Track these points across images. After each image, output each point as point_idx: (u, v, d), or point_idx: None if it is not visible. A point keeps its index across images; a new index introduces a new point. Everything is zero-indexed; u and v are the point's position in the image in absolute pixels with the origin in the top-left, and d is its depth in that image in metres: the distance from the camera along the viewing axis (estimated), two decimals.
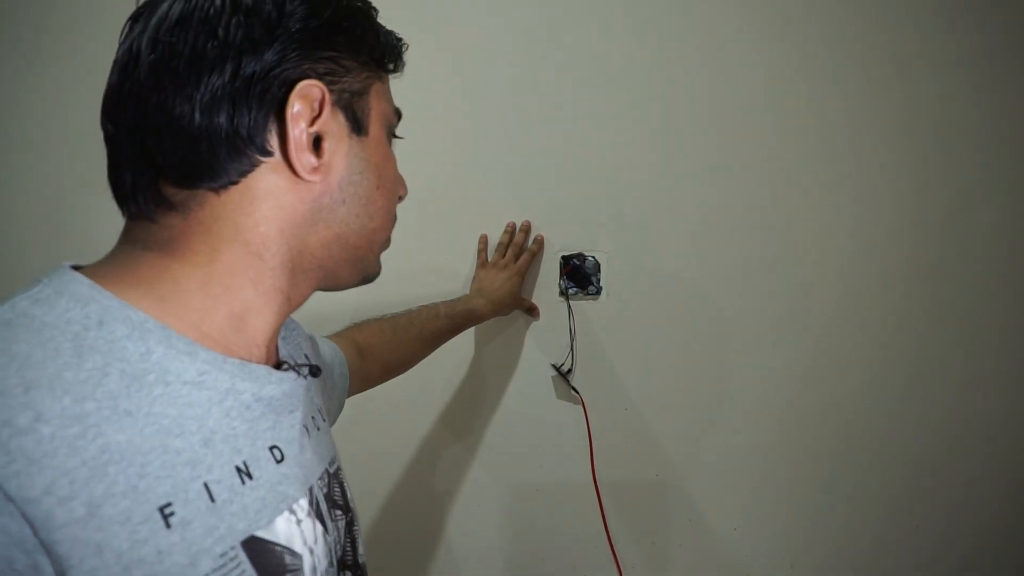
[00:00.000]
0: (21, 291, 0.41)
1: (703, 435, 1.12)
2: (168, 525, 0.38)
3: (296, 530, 0.46)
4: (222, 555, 0.40)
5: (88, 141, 1.10)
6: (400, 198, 0.57)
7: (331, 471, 0.56)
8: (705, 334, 1.11)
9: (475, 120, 1.13)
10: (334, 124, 0.48)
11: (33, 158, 1.21)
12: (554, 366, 1.12)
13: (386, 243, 0.56)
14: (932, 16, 1.05)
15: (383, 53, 0.52)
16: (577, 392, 1.11)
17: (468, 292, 1.08)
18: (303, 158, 0.46)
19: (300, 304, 0.52)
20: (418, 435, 1.17)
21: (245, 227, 0.45)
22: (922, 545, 1.09)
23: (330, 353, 0.75)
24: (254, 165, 0.45)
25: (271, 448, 0.47)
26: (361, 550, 0.59)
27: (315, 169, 0.46)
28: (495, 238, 1.13)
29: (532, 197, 1.12)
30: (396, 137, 0.56)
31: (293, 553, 0.45)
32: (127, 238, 0.46)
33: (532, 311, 1.12)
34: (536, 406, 1.14)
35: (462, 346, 1.14)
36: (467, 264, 1.14)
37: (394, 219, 0.56)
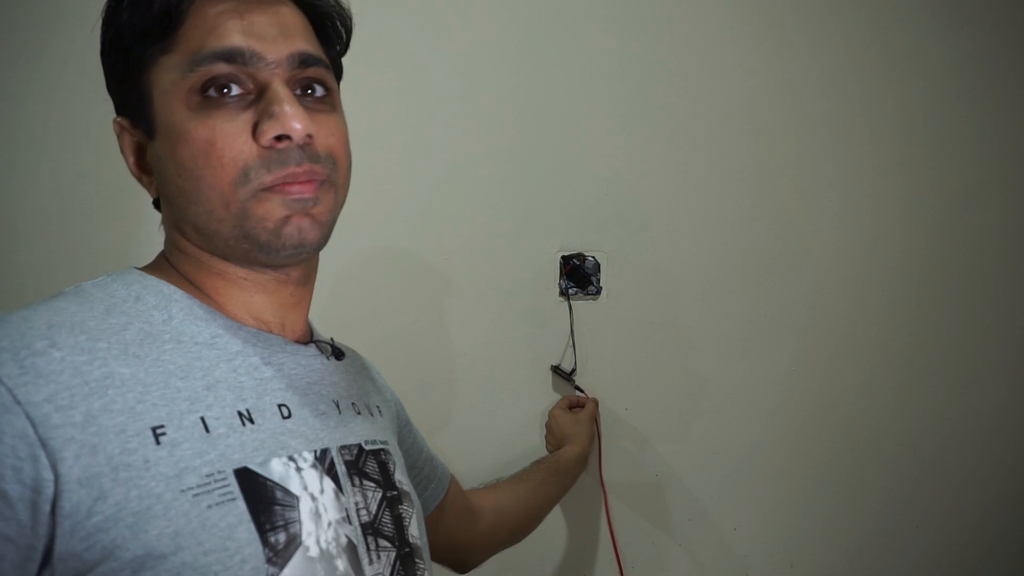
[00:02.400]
0: (91, 280, 0.51)
1: (703, 435, 1.12)
2: (158, 442, 0.44)
3: (295, 475, 0.50)
4: (208, 475, 0.45)
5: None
6: (285, 139, 0.49)
7: (367, 448, 0.59)
8: (705, 334, 1.11)
9: (475, 120, 1.13)
10: (137, 144, 0.55)
11: (43, 159, 1.21)
12: (554, 367, 1.12)
13: (261, 207, 0.50)
14: (940, 15, 1.05)
15: (141, 31, 0.50)
16: (583, 392, 1.11)
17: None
18: (143, 179, 0.56)
19: (271, 281, 0.56)
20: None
21: (168, 235, 0.57)
22: (922, 545, 1.09)
23: (428, 452, 0.81)
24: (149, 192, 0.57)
25: (280, 405, 0.52)
26: (414, 531, 0.60)
27: (149, 186, 0.56)
28: (495, 238, 1.12)
29: (532, 197, 1.12)
30: (246, 78, 0.50)
31: (286, 491, 0.49)
32: None
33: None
34: (536, 406, 1.14)
35: (462, 346, 1.14)
36: (465, 265, 1.13)
37: (255, 180, 0.49)
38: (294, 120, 0.49)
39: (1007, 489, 1.08)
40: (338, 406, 0.58)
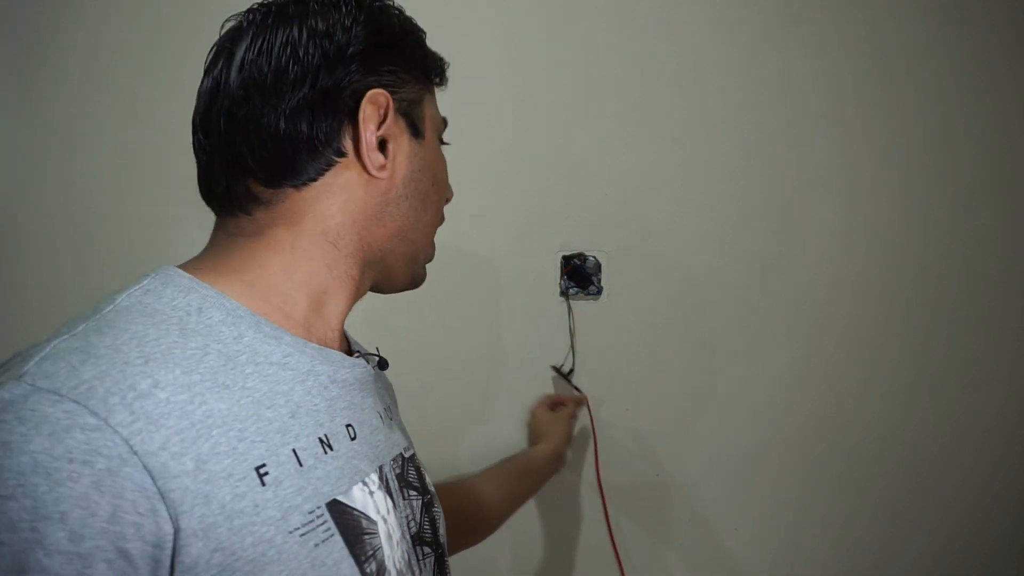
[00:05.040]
0: (131, 285, 0.47)
1: (704, 435, 1.12)
2: (263, 483, 0.43)
3: (370, 500, 0.50)
4: (310, 512, 0.45)
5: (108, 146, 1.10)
6: (447, 200, 0.63)
7: (406, 456, 0.61)
8: (706, 334, 1.11)
9: (474, 120, 1.13)
10: (397, 128, 0.54)
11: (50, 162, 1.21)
12: (554, 367, 1.12)
13: (430, 253, 0.63)
14: (939, 15, 1.05)
15: (431, 68, 0.60)
16: (580, 392, 1.11)
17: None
18: (373, 157, 0.52)
19: (363, 294, 0.58)
20: (418, 436, 1.16)
21: (323, 218, 0.52)
22: (922, 545, 1.09)
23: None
24: (330, 164, 0.52)
25: (347, 426, 0.52)
26: (442, 531, 0.62)
27: (382, 167, 0.53)
28: (495, 238, 1.12)
29: (532, 197, 1.12)
30: (444, 143, 0.63)
31: (369, 519, 0.49)
32: (221, 230, 0.54)
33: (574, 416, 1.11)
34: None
35: (462, 347, 1.14)
36: (465, 265, 1.13)
37: (442, 219, 0.63)
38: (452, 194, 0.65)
39: (1007, 489, 1.08)
40: (381, 416, 0.58)
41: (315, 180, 0.52)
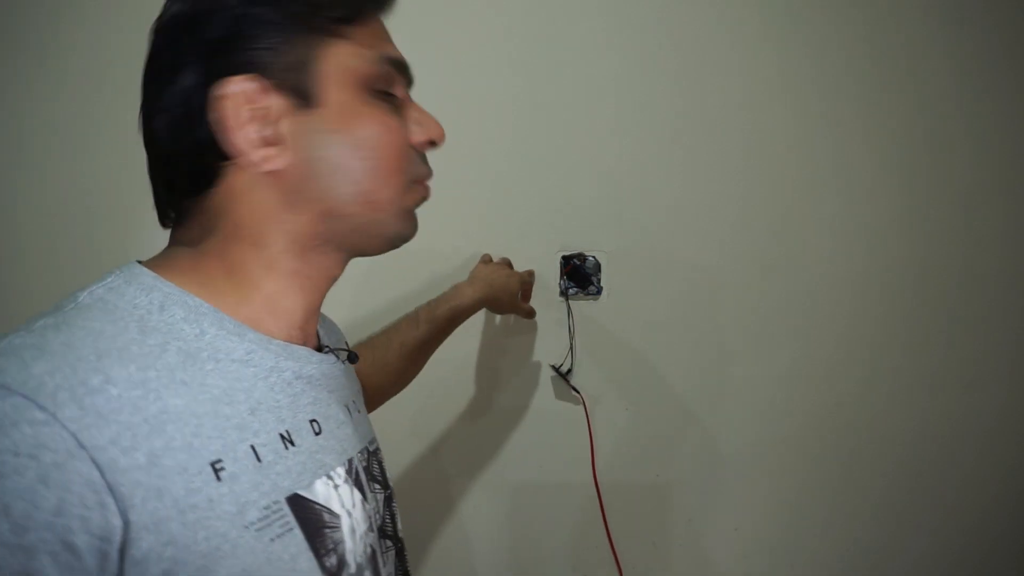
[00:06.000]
0: (95, 282, 0.47)
1: (703, 436, 1.12)
2: (219, 478, 0.43)
3: (334, 493, 0.50)
4: (266, 507, 0.45)
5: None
6: (433, 144, 0.57)
7: (371, 449, 0.61)
8: (705, 334, 1.11)
9: (475, 120, 1.13)
10: (277, 109, 0.49)
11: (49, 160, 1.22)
12: (553, 367, 1.12)
13: (409, 197, 0.55)
14: (939, 15, 1.05)
15: (323, 8, 0.51)
16: (578, 392, 1.11)
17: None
18: (256, 153, 0.49)
19: (331, 278, 0.55)
20: (417, 436, 1.16)
21: (237, 223, 0.50)
22: (922, 545, 1.09)
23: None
24: (223, 169, 0.49)
25: (311, 421, 0.51)
26: (400, 525, 0.62)
27: (272, 158, 0.49)
28: (495, 238, 1.12)
29: (532, 197, 1.12)
30: (387, 95, 0.54)
31: (331, 512, 0.49)
32: (171, 237, 0.53)
33: (530, 315, 1.10)
34: (536, 406, 1.14)
35: (461, 346, 1.14)
36: (467, 265, 1.13)
37: (412, 171, 0.55)
38: (441, 131, 0.57)
39: (1007, 489, 1.08)
40: (349, 410, 0.58)
41: (212, 188, 0.50)
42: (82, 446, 0.38)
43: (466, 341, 1.14)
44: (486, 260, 1.10)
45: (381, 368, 0.87)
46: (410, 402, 1.16)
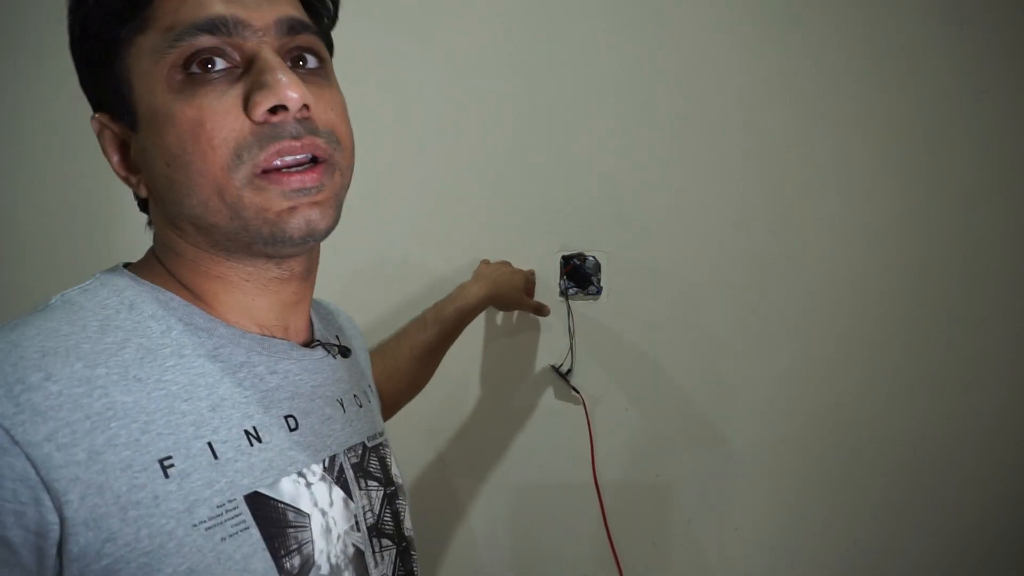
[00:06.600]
0: (75, 286, 0.48)
1: (703, 436, 1.12)
2: (167, 475, 0.42)
3: (304, 491, 0.49)
4: (219, 506, 0.43)
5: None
6: (282, 110, 0.45)
7: (370, 445, 0.59)
8: (705, 334, 1.11)
9: (474, 120, 1.13)
10: (122, 137, 0.50)
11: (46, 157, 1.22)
12: (553, 367, 1.12)
13: (268, 196, 0.45)
14: (939, 15, 1.05)
15: (111, 11, 0.46)
16: (578, 392, 1.11)
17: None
18: (130, 180, 0.51)
19: (271, 279, 0.51)
20: (417, 436, 1.16)
21: (158, 239, 0.53)
22: (922, 545, 1.09)
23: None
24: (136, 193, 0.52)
25: (286, 417, 0.50)
26: (408, 524, 0.61)
27: (137, 184, 0.51)
28: (495, 238, 1.12)
29: (532, 197, 1.12)
30: (231, 52, 0.45)
31: (298, 511, 0.48)
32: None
33: (541, 309, 1.09)
34: (536, 406, 1.14)
35: (461, 346, 1.14)
36: (467, 265, 1.13)
37: (253, 159, 0.45)
38: (289, 89, 0.44)
39: (1007, 489, 1.08)
40: (343, 405, 0.56)
41: (142, 209, 0.54)
42: (15, 442, 0.38)
43: (466, 341, 1.14)
44: (487, 261, 1.10)
45: (392, 375, 0.86)
46: (409, 403, 1.16)
